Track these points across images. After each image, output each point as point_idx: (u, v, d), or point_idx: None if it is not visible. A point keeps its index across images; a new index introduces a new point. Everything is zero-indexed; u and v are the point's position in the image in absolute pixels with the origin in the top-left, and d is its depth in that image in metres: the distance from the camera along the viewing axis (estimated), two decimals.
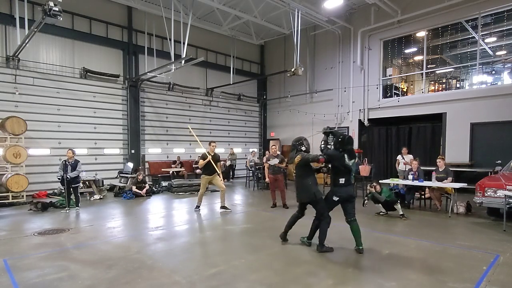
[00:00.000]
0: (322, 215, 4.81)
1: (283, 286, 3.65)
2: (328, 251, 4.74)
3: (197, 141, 8.41)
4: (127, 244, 5.31)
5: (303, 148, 4.98)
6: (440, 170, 7.77)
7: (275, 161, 8.26)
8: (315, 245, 4.86)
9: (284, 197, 8.31)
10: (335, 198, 4.74)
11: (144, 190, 10.27)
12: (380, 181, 7.79)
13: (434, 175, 7.65)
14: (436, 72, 14.46)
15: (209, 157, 7.69)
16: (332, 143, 4.82)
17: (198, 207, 7.95)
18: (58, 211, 7.97)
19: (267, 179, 8.69)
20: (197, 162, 13.68)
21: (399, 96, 13.73)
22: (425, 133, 12.57)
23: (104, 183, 10.83)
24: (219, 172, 7.94)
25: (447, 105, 11.53)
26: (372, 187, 7.22)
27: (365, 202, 7.26)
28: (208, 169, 7.79)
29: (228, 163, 14.82)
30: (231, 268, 4.18)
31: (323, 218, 4.80)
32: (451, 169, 8.01)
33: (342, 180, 4.71)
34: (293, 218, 5.12)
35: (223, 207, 7.94)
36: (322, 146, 4.92)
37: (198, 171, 13.48)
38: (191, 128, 9.17)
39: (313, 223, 5.01)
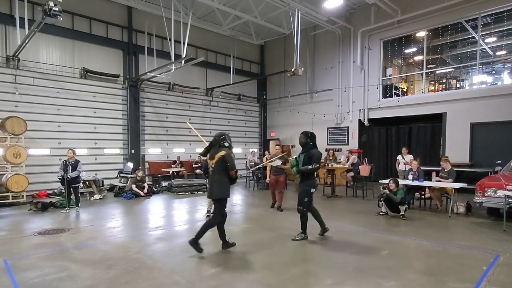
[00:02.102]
0: (218, 214, 4.82)
1: (282, 286, 3.65)
2: (232, 246, 4.96)
3: (200, 138, 8.15)
4: (127, 244, 5.31)
5: (226, 144, 4.91)
6: (446, 170, 7.79)
7: (277, 163, 8.02)
8: (304, 241, 4.83)
9: (281, 199, 8.06)
10: (313, 190, 5.23)
11: (144, 190, 10.28)
12: (379, 181, 7.77)
13: (434, 175, 7.65)
14: (436, 72, 14.46)
15: None
16: (309, 141, 5.33)
17: (209, 211, 7.23)
18: (58, 211, 7.97)
19: (267, 179, 8.59)
20: (197, 162, 13.83)
21: (399, 96, 13.72)
22: (425, 133, 12.58)
23: (104, 183, 10.82)
24: None
25: (447, 105, 11.54)
26: (387, 188, 6.93)
27: (381, 203, 7.19)
28: None
29: None
30: (231, 268, 4.18)
31: (216, 217, 4.83)
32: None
33: (314, 174, 5.28)
34: (220, 224, 4.92)
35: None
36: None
37: (198, 171, 13.52)
38: (192, 124, 8.88)
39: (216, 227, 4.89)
